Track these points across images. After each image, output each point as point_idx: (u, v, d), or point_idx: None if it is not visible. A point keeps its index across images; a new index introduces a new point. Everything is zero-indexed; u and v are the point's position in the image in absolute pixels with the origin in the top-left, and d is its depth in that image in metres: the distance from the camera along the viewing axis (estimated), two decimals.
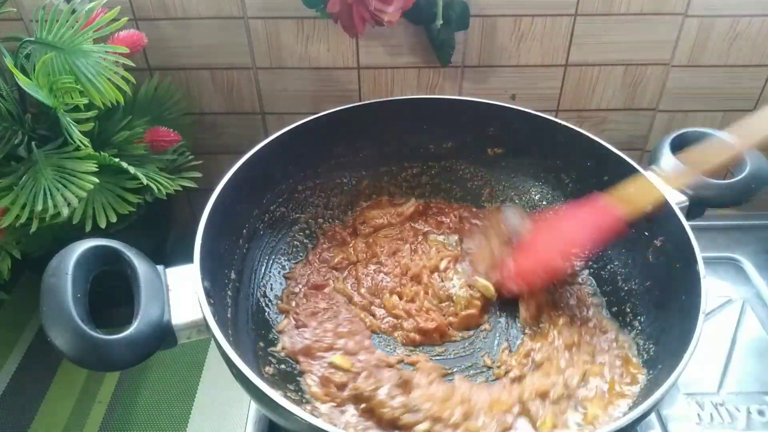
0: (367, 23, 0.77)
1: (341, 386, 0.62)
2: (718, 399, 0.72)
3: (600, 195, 0.68)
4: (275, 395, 0.48)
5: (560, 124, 0.77)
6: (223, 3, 0.83)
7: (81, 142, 0.66)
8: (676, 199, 0.67)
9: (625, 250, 0.73)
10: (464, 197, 0.86)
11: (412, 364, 0.66)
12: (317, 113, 0.77)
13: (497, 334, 0.70)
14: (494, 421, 0.58)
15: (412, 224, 0.82)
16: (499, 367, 0.66)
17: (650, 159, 0.73)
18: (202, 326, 0.53)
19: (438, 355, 0.68)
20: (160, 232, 0.89)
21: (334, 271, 0.76)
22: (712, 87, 0.91)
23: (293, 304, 0.71)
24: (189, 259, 0.56)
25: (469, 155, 0.85)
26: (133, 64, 0.71)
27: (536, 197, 0.83)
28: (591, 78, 0.91)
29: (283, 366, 0.64)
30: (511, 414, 0.59)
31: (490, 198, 0.85)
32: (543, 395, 0.60)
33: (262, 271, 0.74)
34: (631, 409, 0.57)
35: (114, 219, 0.70)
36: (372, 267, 0.76)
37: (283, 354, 0.65)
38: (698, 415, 0.70)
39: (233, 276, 0.67)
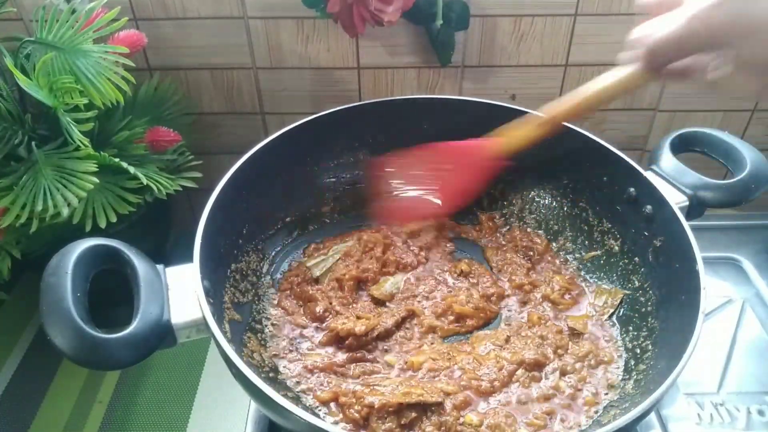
0: (367, 23, 0.77)
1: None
2: (718, 399, 0.72)
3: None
4: (275, 395, 0.48)
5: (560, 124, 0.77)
6: (223, 3, 0.83)
7: (81, 142, 0.66)
8: (676, 199, 0.67)
9: (625, 250, 0.73)
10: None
11: None
12: (317, 113, 0.77)
13: None
14: None
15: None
16: None
17: (650, 159, 0.73)
18: (201, 325, 0.53)
19: None
20: (160, 232, 0.89)
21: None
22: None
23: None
24: (189, 258, 0.56)
25: None
26: (133, 64, 0.71)
27: (536, 198, 0.83)
28: (591, 78, 0.89)
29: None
30: None
31: (490, 203, 0.85)
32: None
33: (262, 270, 0.74)
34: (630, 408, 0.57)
35: (114, 219, 0.70)
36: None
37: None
38: (698, 414, 0.70)
39: (233, 275, 0.67)
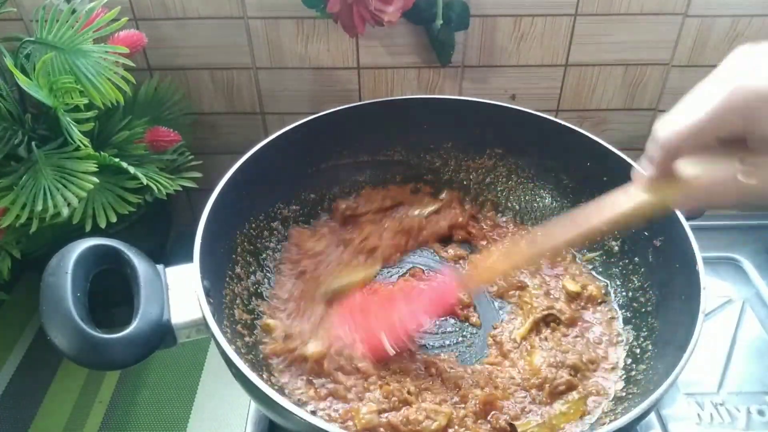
0: (367, 23, 0.77)
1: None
2: (718, 399, 0.72)
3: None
4: (275, 395, 0.48)
5: (560, 124, 0.77)
6: (222, 3, 0.83)
7: (81, 142, 0.66)
8: None
9: (626, 250, 0.73)
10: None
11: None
12: (317, 113, 0.77)
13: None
14: None
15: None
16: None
17: None
18: (201, 325, 0.53)
19: None
20: (160, 232, 0.89)
21: None
22: None
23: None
24: (189, 258, 0.57)
25: (469, 155, 0.85)
26: (133, 64, 0.71)
27: (535, 198, 0.83)
28: (591, 78, 0.91)
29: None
30: None
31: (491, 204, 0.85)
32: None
33: (262, 270, 0.74)
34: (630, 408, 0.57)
35: (114, 219, 0.70)
36: None
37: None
38: (698, 414, 0.70)
39: (233, 275, 0.67)
